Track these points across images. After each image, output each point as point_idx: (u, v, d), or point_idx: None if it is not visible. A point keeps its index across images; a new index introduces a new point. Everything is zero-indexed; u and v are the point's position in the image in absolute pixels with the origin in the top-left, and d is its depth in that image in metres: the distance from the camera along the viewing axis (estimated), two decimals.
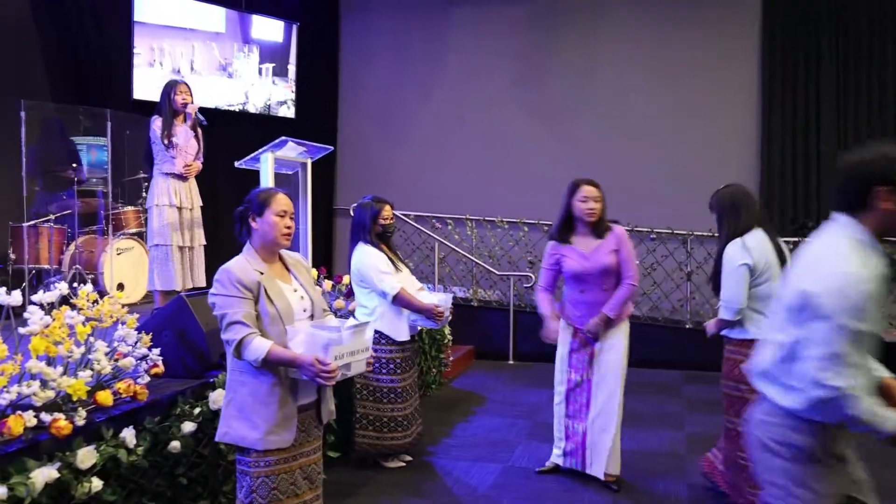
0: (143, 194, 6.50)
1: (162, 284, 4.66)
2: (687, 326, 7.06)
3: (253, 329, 2.33)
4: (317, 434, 2.57)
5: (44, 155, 6.11)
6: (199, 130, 4.83)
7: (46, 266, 5.74)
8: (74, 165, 5.96)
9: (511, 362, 7.20)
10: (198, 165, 4.81)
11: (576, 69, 8.12)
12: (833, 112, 7.32)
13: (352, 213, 4.24)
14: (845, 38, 7.30)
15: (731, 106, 7.65)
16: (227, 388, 2.46)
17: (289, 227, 2.48)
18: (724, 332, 3.50)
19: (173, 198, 4.68)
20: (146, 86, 6.62)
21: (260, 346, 2.30)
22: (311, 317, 2.54)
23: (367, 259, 3.99)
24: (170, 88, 4.70)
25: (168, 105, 4.65)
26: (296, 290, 2.52)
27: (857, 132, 7.29)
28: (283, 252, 2.59)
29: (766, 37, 7.52)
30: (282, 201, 2.48)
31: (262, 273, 2.41)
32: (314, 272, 5.06)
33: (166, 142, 4.61)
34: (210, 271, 5.00)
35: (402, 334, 4.05)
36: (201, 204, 4.89)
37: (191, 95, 4.76)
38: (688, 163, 7.71)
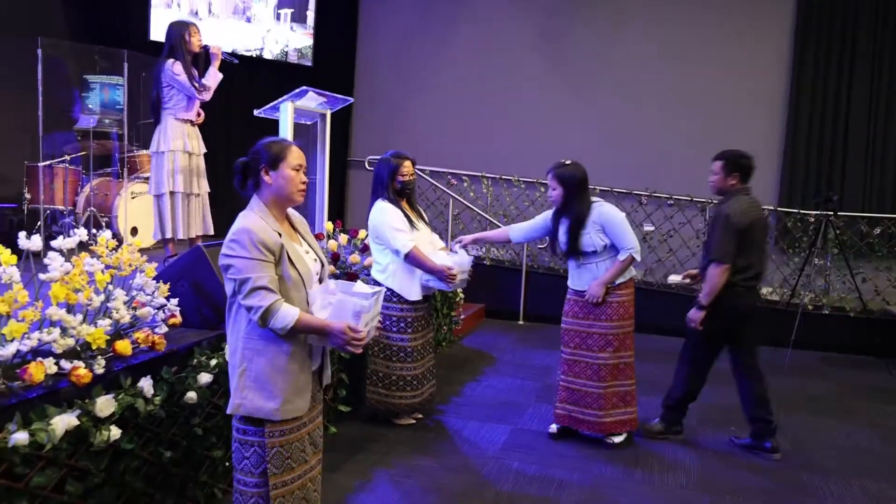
0: None
1: (171, 233, 4.62)
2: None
3: (278, 296, 2.22)
4: (320, 398, 2.52)
5: (59, 95, 6.04)
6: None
7: (61, 207, 5.73)
8: (89, 108, 5.89)
9: (521, 323, 7.21)
10: (202, 116, 4.75)
11: (601, 28, 7.92)
12: (866, 91, 7.13)
13: (367, 167, 4.17)
14: (884, 21, 7.05)
15: (759, 74, 7.47)
16: (236, 356, 2.31)
17: (304, 183, 2.36)
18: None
19: (188, 143, 4.60)
20: (163, 27, 6.44)
21: (289, 314, 2.19)
22: (320, 280, 2.46)
23: (382, 216, 3.94)
24: (182, 30, 4.54)
25: (184, 48, 4.52)
26: (308, 252, 2.42)
27: (889, 113, 7.12)
28: (289, 210, 2.46)
29: (801, 8, 7.28)
30: (297, 154, 2.34)
31: (280, 234, 2.29)
32: (329, 225, 5.04)
33: (197, 84, 4.50)
34: (225, 219, 4.98)
35: (413, 293, 4.03)
36: (206, 151, 4.83)
37: (201, 36, 4.65)
38: (711, 129, 7.57)
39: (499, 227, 7.50)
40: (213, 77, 4.63)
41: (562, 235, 3.95)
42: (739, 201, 3.88)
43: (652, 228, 7.35)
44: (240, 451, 2.35)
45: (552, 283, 7.36)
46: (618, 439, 4.02)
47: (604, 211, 3.89)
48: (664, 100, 7.70)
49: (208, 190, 4.87)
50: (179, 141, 4.58)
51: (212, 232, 4.84)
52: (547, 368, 5.53)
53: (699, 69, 7.61)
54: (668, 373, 5.54)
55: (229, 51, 6.88)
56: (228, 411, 2.34)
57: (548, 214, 4.07)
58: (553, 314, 7.22)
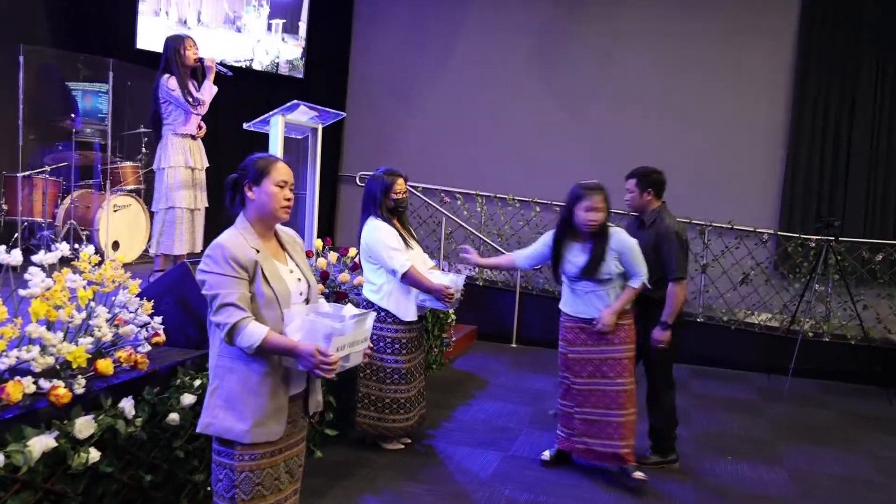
0: (143, 150, 6.46)
1: (172, 248, 4.66)
2: (699, 320, 7.06)
3: (247, 313, 2.20)
4: (302, 425, 2.48)
5: (40, 104, 6.04)
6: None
7: (40, 219, 5.71)
8: (73, 116, 5.89)
9: (514, 346, 7.22)
10: (204, 129, 4.80)
11: (595, 47, 8.02)
12: (868, 114, 7.24)
13: (359, 182, 4.21)
14: (889, 44, 7.18)
15: (759, 95, 7.57)
16: (211, 374, 2.33)
17: (288, 200, 2.34)
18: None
19: (189, 158, 4.67)
20: (151, 35, 6.52)
21: (255, 332, 2.17)
22: (307, 301, 2.44)
23: (376, 234, 3.96)
24: (177, 44, 4.60)
25: (179, 62, 4.57)
26: (292, 271, 2.40)
27: (892, 138, 7.22)
28: (279, 228, 2.46)
29: (803, 26, 7.41)
30: (282, 170, 2.34)
31: (258, 251, 2.28)
32: (319, 243, 5.06)
33: (190, 99, 4.55)
34: (209, 237, 4.99)
35: (410, 314, 4.04)
36: (208, 165, 4.87)
37: (197, 49, 4.71)
38: (709, 151, 7.66)
39: (494, 247, 7.54)
40: (208, 90, 4.68)
41: (577, 258, 3.80)
42: (671, 217, 4.16)
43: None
44: (215, 471, 2.34)
45: (546, 306, 7.36)
46: (640, 475, 3.85)
47: (622, 238, 3.82)
48: (662, 119, 7.78)
49: (206, 205, 4.91)
50: (180, 157, 4.65)
51: (201, 248, 4.86)
52: (540, 393, 5.54)
53: (698, 88, 7.71)
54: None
55: (217, 61, 6.95)
56: (198, 430, 2.33)
57: (548, 238, 4.02)
58: (547, 338, 7.28)
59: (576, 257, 3.81)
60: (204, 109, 4.70)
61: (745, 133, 7.61)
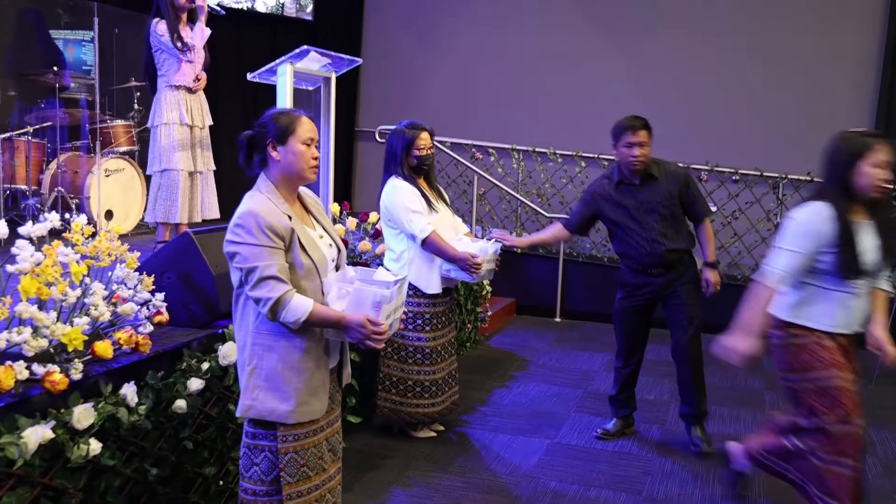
0: (136, 106, 6.51)
1: (168, 216, 4.71)
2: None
3: (290, 286, 2.29)
4: (338, 399, 2.63)
5: (19, 55, 6.10)
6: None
7: (24, 186, 5.82)
8: (56, 69, 5.95)
9: (557, 320, 7.24)
10: (204, 79, 4.82)
11: None
12: None
13: (379, 139, 4.21)
14: None
15: (846, 22, 7.35)
16: (245, 353, 2.42)
17: (316, 158, 2.43)
18: None
19: (185, 115, 4.69)
20: None
21: (301, 306, 2.27)
22: (337, 267, 2.54)
23: (396, 195, 3.97)
24: None
25: (170, 4, 4.59)
26: (322, 237, 2.50)
27: None
28: (301, 189, 2.54)
29: None
30: (307, 126, 2.42)
31: (290, 217, 2.37)
32: (336, 208, 5.09)
33: (179, 44, 4.57)
34: (223, 202, 5.04)
35: (433, 286, 4.06)
36: (211, 123, 4.90)
37: None
38: (785, 92, 7.48)
39: (533, 208, 7.51)
40: (199, 34, 4.70)
41: (870, 242, 2.91)
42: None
43: (714, 209, 7.28)
44: (248, 456, 2.45)
45: (593, 275, 7.37)
46: None
47: None
48: (727, 54, 7.61)
49: (213, 167, 4.96)
50: (175, 112, 4.67)
51: (216, 215, 4.95)
52: (587, 373, 5.55)
53: (771, 15, 7.50)
54: (731, 379, 5.55)
55: (214, 3, 6.96)
56: (238, 414, 2.44)
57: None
58: (594, 311, 7.30)
59: (869, 241, 2.92)
60: (197, 57, 4.70)
61: (827, 69, 7.41)
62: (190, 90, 4.73)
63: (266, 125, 2.41)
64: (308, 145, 2.40)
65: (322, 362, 2.43)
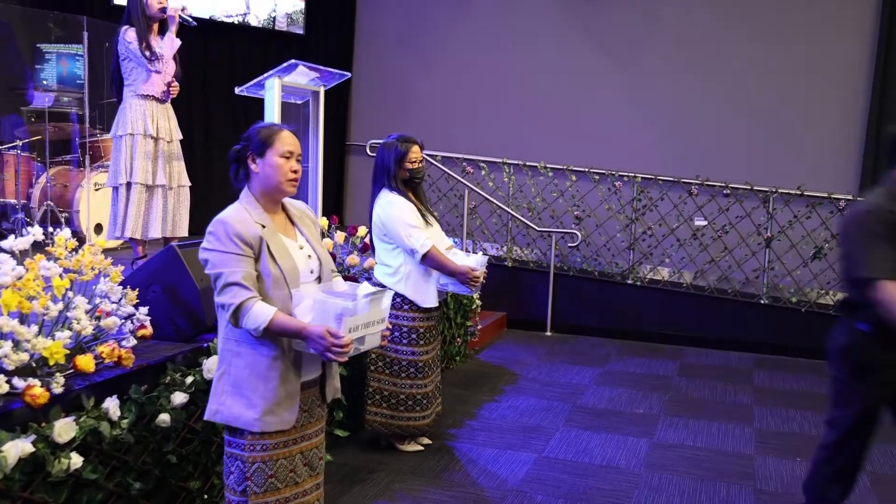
0: None
1: (130, 231, 4.64)
2: (762, 302, 7.02)
3: (253, 293, 2.32)
4: (320, 414, 2.62)
5: (6, 69, 6.13)
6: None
7: (13, 200, 5.83)
8: (25, 87, 5.94)
9: (548, 334, 7.24)
10: (177, 87, 4.78)
11: None
12: None
13: (369, 153, 4.23)
14: None
15: (837, 34, 7.39)
16: (219, 359, 2.48)
17: (295, 172, 2.46)
18: None
19: (149, 125, 4.61)
20: None
21: (262, 313, 2.29)
22: (319, 279, 2.56)
23: (393, 210, 3.98)
24: None
25: (141, 12, 4.56)
26: (302, 248, 2.53)
27: None
28: (287, 201, 2.58)
29: None
30: (287, 140, 2.46)
31: (263, 226, 2.41)
32: (324, 221, 5.11)
33: (147, 53, 4.53)
34: (200, 217, 5.02)
35: (430, 300, 4.08)
36: (181, 137, 4.87)
37: None
38: (774, 104, 7.54)
39: (524, 222, 7.53)
40: (169, 44, 4.65)
41: None
42: None
43: (704, 223, 7.34)
44: (226, 463, 2.49)
45: (585, 289, 7.40)
46: None
47: None
48: (719, 67, 7.67)
49: (188, 183, 4.89)
50: (140, 123, 4.59)
51: (184, 233, 4.89)
52: (577, 387, 5.56)
53: (762, 28, 7.56)
54: (715, 392, 5.57)
55: (206, 16, 7.00)
56: (205, 417, 2.48)
57: None
58: (585, 325, 7.32)
59: None
60: (165, 66, 4.65)
61: (818, 81, 7.46)
62: (158, 100, 4.68)
63: (249, 138, 2.48)
64: (287, 158, 2.44)
65: (292, 373, 2.43)
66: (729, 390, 5.68)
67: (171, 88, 4.71)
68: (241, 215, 2.40)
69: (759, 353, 6.78)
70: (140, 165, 4.60)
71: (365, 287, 2.57)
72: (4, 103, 6.07)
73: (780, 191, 7.09)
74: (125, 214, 4.63)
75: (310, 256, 2.54)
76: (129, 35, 4.54)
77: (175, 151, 4.80)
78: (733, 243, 7.27)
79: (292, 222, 2.58)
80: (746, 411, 5.21)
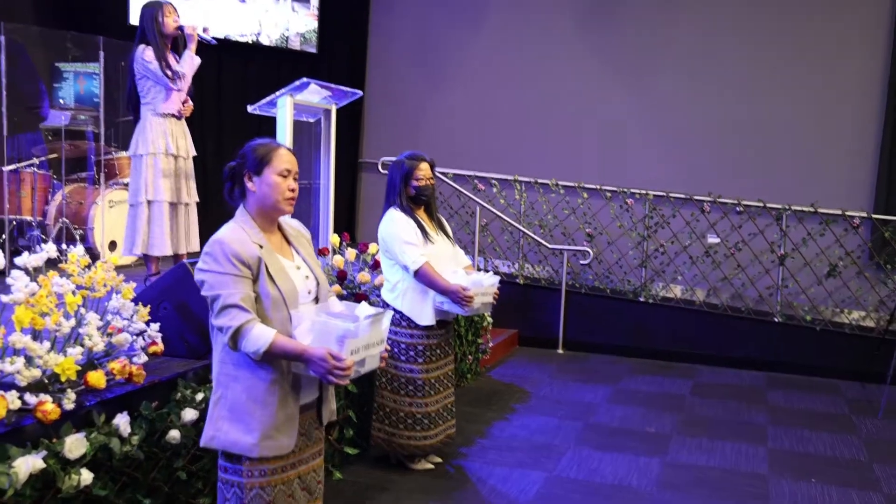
0: None
1: (152, 248, 4.69)
2: (776, 320, 6.97)
3: (252, 315, 2.28)
4: (317, 437, 2.57)
5: (25, 88, 6.21)
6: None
7: (29, 218, 5.88)
8: (41, 104, 6.02)
9: (560, 351, 7.22)
10: (190, 105, 4.85)
11: (654, 6, 7.94)
12: None
13: (381, 170, 4.25)
14: None
15: (850, 53, 7.40)
16: (215, 383, 2.42)
17: (293, 190, 2.43)
18: None
19: (170, 144, 4.69)
20: None
21: (262, 336, 2.25)
22: (316, 299, 2.52)
23: (391, 227, 4.01)
24: (154, 11, 4.65)
25: (157, 31, 4.63)
26: (299, 268, 2.49)
27: None
28: (283, 220, 2.54)
29: None
30: (284, 157, 2.43)
31: (261, 246, 2.37)
32: (335, 238, 5.12)
33: (169, 72, 4.60)
34: (207, 235, 5.07)
35: (425, 318, 4.06)
36: (195, 153, 4.93)
37: (178, 16, 4.75)
38: (787, 121, 7.53)
39: (535, 239, 7.53)
40: (189, 62, 4.72)
41: None
42: None
43: (717, 241, 7.32)
44: (221, 491, 2.44)
45: (597, 306, 7.38)
46: None
47: None
48: (730, 85, 7.68)
49: (196, 199, 4.96)
50: (161, 141, 4.67)
51: (197, 248, 4.93)
52: (590, 406, 5.54)
53: (775, 46, 7.56)
54: (729, 411, 5.53)
55: (218, 34, 7.07)
56: (201, 443, 2.43)
57: None
58: (598, 342, 7.30)
59: None
60: (186, 84, 4.73)
61: (831, 98, 7.46)
62: (176, 118, 4.75)
63: (245, 156, 2.44)
64: (284, 176, 2.41)
65: (290, 396, 2.39)
66: (742, 409, 5.64)
67: (185, 106, 4.78)
68: (238, 235, 2.36)
69: (773, 372, 6.73)
70: (163, 183, 4.68)
71: (363, 308, 2.52)
72: (22, 122, 6.14)
73: (793, 208, 7.06)
74: (149, 232, 4.70)
75: (307, 277, 2.50)
76: (147, 55, 4.59)
77: (190, 168, 4.88)
78: (746, 261, 7.23)
79: (288, 242, 2.54)
80: (760, 431, 5.16)
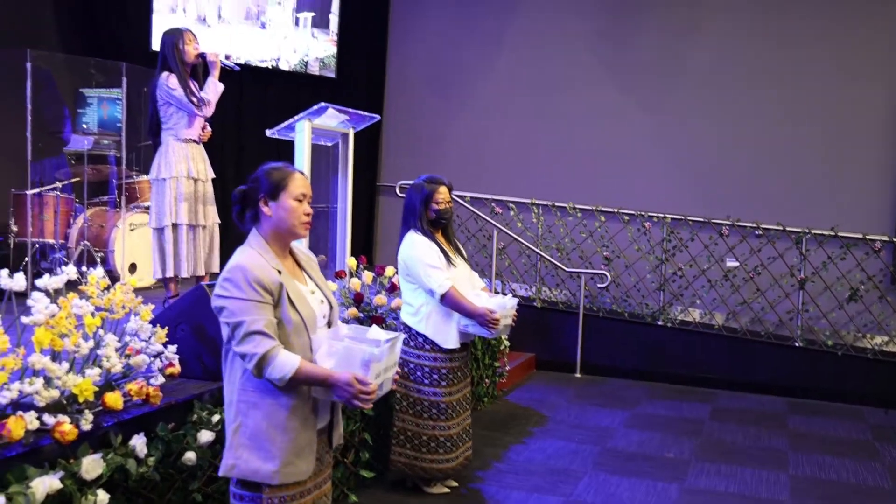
0: None
1: (177, 270, 4.77)
2: (796, 344, 6.90)
3: (276, 341, 2.28)
4: (328, 461, 2.58)
5: (49, 113, 6.33)
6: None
7: (51, 241, 5.96)
8: (62, 128, 6.13)
9: (578, 375, 7.17)
10: (209, 130, 4.93)
11: (670, 29, 7.97)
12: None
13: (399, 194, 4.27)
14: None
15: (872, 75, 7.38)
16: (231, 411, 2.41)
17: (308, 214, 2.44)
18: None
19: (192, 168, 4.78)
20: None
21: (288, 363, 2.25)
22: (329, 324, 2.54)
23: (413, 250, 4.02)
24: (175, 38, 4.74)
25: (179, 59, 4.71)
26: (313, 293, 2.50)
27: None
28: (293, 245, 2.55)
29: None
30: (300, 182, 2.43)
31: (280, 272, 2.37)
32: (352, 261, 5.15)
33: (194, 99, 4.68)
34: (225, 257, 5.12)
35: (451, 341, 4.07)
36: (213, 176, 4.99)
37: (198, 43, 4.84)
38: (806, 144, 7.51)
39: (553, 262, 7.52)
40: (213, 88, 4.81)
41: None
42: None
43: (735, 264, 7.27)
44: None
45: (615, 330, 7.33)
46: None
47: None
48: (748, 107, 7.67)
49: (218, 221, 5.02)
50: (182, 165, 4.75)
51: (216, 270, 4.97)
52: (607, 430, 5.49)
53: (794, 67, 7.55)
54: (749, 437, 5.46)
55: (239, 60, 7.17)
56: (220, 473, 2.42)
57: None
58: (616, 366, 7.25)
59: None
60: (209, 111, 4.81)
61: (851, 120, 7.43)
62: (196, 142, 4.83)
63: (259, 180, 2.44)
64: (300, 201, 2.42)
65: (309, 422, 2.40)
66: (763, 435, 5.56)
67: (203, 132, 4.86)
68: (258, 261, 2.35)
69: (794, 398, 6.65)
70: (185, 207, 4.77)
71: (375, 331, 2.53)
72: (45, 146, 6.24)
73: (813, 231, 7.00)
74: (176, 254, 4.76)
75: (322, 301, 2.52)
76: (171, 82, 4.67)
77: (209, 192, 4.94)
78: (766, 285, 7.18)
79: (300, 266, 2.56)
80: (781, 457, 5.09)
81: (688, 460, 4.94)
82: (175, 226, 4.77)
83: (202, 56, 4.80)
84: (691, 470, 4.76)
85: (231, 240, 5.30)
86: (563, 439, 5.27)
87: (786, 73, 7.58)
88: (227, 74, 4.97)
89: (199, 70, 4.86)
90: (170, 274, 4.80)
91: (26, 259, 5.80)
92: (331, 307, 2.55)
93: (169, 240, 4.78)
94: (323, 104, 4.84)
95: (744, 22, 7.71)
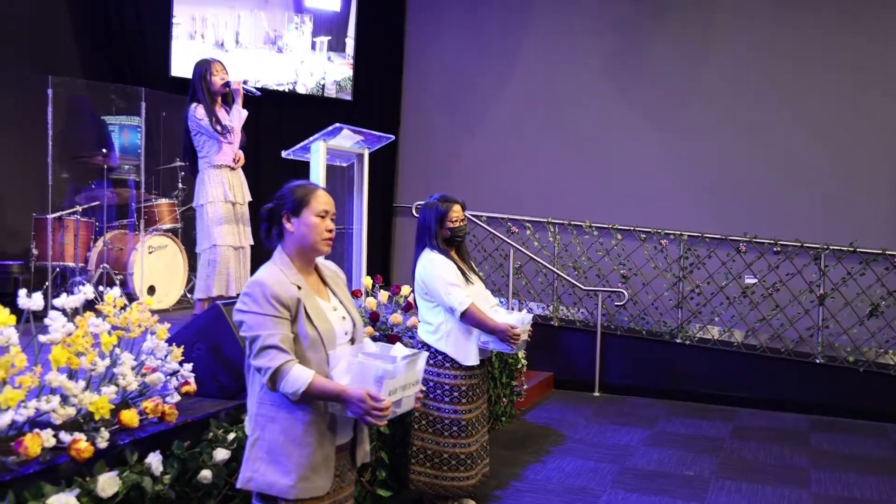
0: (180, 185, 6.77)
1: (222, 289, 4.87)
2: (817, 361, 6.81)
3: (291, 356, 2.29)
4: (350, 479, 2.57)
5: (71, 138, 6.43)
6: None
7: (72, 264, 6.03)
8: (105, 151, 6.24)
9: (596, 394, 7.12)
10: (242, 157, 5.02)
11: (684, 47, 7.97)
12: None
13: (415, 214, 4.28)
14: None
15: (889, 90, 7.32)
16: (251, 424, 2.44)
17: (330, 231, 2.46)
18: None
19: (228, 192, 4.90)
20: (186, 61, 6.86)
21: (301, 377, 2.26)
22: (352, 340, 2.53)
23: (433, 268, 4.02)
24: (203, 69, 4.89)
25: (206, 90, 4.83)
26: (336, 309, 2.51)
27: None
28: (319, 262, 2.57)
29: None
30: (322, 199, 2.46)
31: (299, 287, 2.39)
32: (368, 281, 5.16)
33: (219, 128, 4.80)
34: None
35: (471, 358, 4.06)
36: (250, 199, 5.07)
37: (227, 73, 4.95)
38: (823, 160, 7.45)
39: (570, 281, 7.49)
40: (237, 116, 4.91)
41: None
42: None
43: (754, 281, 7.21)
44: None
45: (633, 348, 7.29)
46: None
47: None
48: (763, 123, 7.64)
49: (252, 243, 5.11)
50: (219, 189, 4.90)
51: None
52: (626, 448, 5.43)
53: (810, 84, 7.51)
54: (770, 454, 5.38)
55: (256, 85, 7.25)
56: (238, 485, 2.43)
57: None
58: (634, 384, 7.19)
59: None
60: (236, 137, 4.92)
61: (868, 135, 7.36)
62: (231, 167, 4.94)
63: (283, 198, 2.47)
64: (322, 217, 2.44)
65: (327, 438, 2.40)
66: (784, 453, 5.48)
67: (237, 160, 4.97)
68: (277, 276, 2.38)
69: (815, 415, 6.56)
70: (225, 229, 4.88)
71: (398, 348, 2.53)
72: (71, 171, 6.34)
73: (831, 247, 6.94)
74: (224, 273, 4.89)
75: (344, 318, 2.52)
76: (199, 112, 4.82)
77: (246, 213, 5.07)
78: (785, 301, 7.10)
79: (325, 283, 2.57)
80: (802, 475, 5.01)
81: (708, 479, 4.87)
82: (214, 247, 4.88)
83: (227, 85, 4.91)
84: (711, 488, 4.69)
85: (257, 260, 5.38)
86: (582, 458, 5.22)
87: (801, 88, 7.55)
88: (247, 99, 5.06)
89: (229, 98, 4.99)
90: (214, 293, 4.88)
91: (47, 283, 5.86)
92: (354, 324, 2.54)
93: (213, 261, 4.90)
94: (338, 125, 4.89)
95: (758, 38, 7.69)
